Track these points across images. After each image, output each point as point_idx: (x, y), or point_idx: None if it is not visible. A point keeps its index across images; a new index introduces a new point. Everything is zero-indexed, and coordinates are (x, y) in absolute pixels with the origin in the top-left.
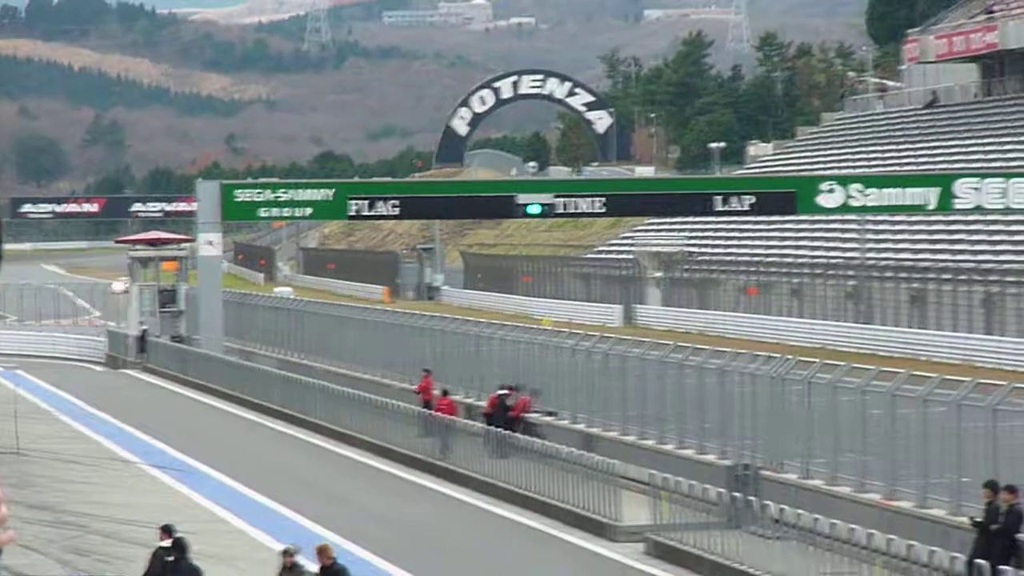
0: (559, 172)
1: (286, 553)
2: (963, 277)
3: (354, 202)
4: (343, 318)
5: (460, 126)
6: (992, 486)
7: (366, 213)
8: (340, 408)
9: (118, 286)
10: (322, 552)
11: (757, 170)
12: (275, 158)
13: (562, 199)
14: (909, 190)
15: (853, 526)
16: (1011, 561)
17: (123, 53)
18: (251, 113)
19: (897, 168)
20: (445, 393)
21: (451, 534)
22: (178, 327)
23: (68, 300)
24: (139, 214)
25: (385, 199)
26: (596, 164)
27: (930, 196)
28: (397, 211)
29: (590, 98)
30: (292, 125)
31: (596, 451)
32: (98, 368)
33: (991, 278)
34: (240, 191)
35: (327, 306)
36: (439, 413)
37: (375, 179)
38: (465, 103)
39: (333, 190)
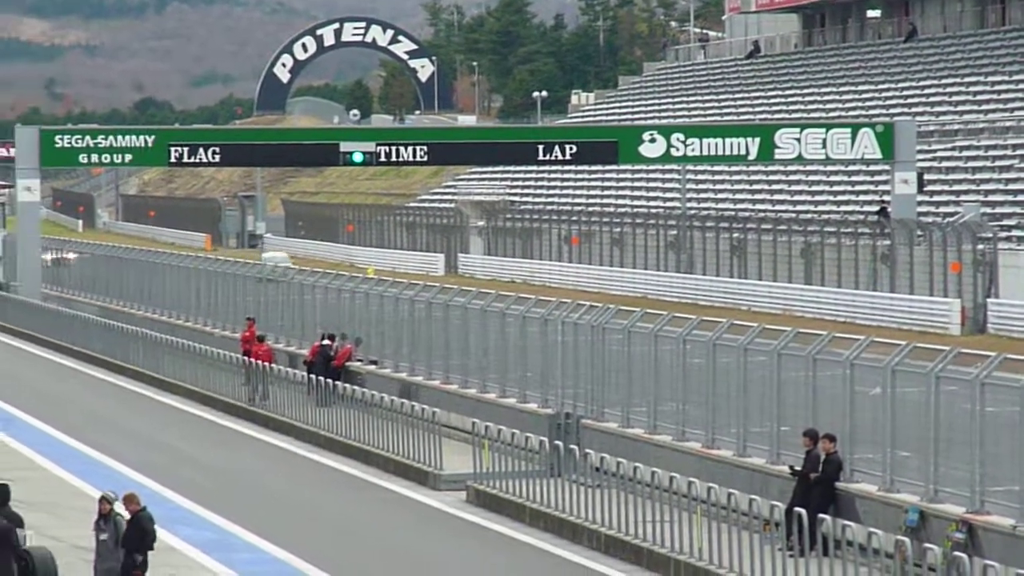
0: (381, 120)
1: (104, 500)
2: (783, 227)
3: (175, 149)
4: (164, 265)
5: (282, 73)
6: (811, 434)
7: (187, 160)
8: (161, 356)
9: None
10: (129, 500)
11: (579, 120)
12: (95, 104)
13: (384, 147)
14: (730, 140)
15: (673, 474)
16: (829, 509)
17: None
18: (71, 59)
19: (718, 118)
20: (261, 340)
21: (272, 482)
22: None
23: None
24: None
25: (206, 146)
26: (418, 112)
27: (751, 146)
28: (218, 158)
29: (412, 46)
30: (112, 71)
31: (418, 400)
32: None
33: (810, 228)
34: (60, 137)
35: (148, 253)
36: (256, 360)
37: (196, 126)
38: (287, 50)
39: (154, 136)
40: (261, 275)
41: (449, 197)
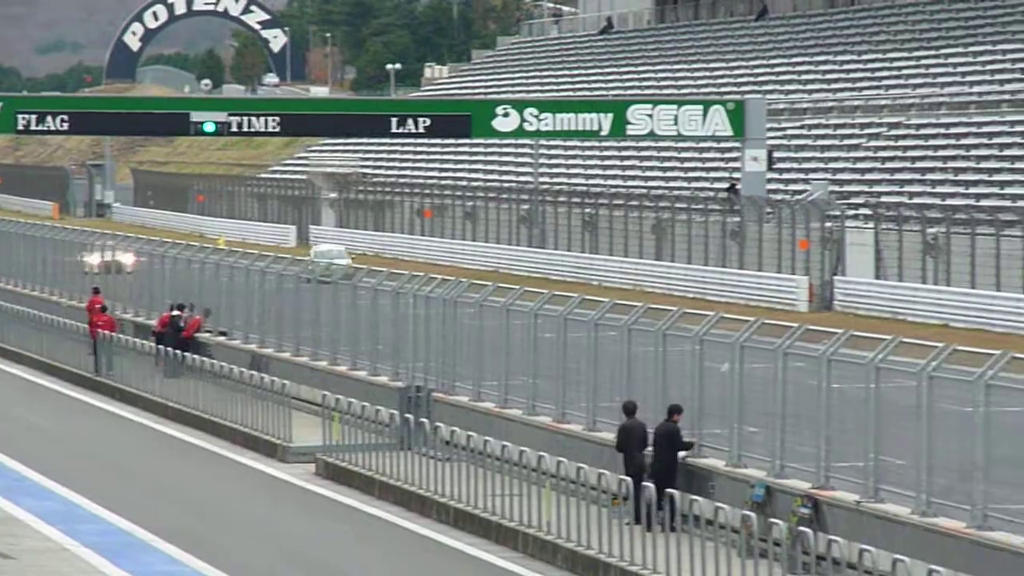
0: (233, 90)
1: None
2: (634, 203)
3: (22, 116)
4: (9, 234)
5: (132, 42)
6: (627, 408)
7: (35, 128)
8: (6, 325)
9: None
10: None
11: (433, 93)
12: None
13: (236, 118)
14: (583, 116)
15: (524, 448)
16: (671, 480)
17: None
18: None
19: (571, 93)
20: (104, 309)
21: (118, 453)
22: None
23: None
24: None
25: (55, 114)
26: (269, 77)
27: (603, 122)
28: (67, 126)
29: (265, 16)
30: None
31: (268, 372)
32: None
33: (662, 204)
34: None
35: None
36: (99, 330)
37: (44, 93)
38: (137, 18)
39: (0, 104)
40: (312, 276)
41: (301, 168)
